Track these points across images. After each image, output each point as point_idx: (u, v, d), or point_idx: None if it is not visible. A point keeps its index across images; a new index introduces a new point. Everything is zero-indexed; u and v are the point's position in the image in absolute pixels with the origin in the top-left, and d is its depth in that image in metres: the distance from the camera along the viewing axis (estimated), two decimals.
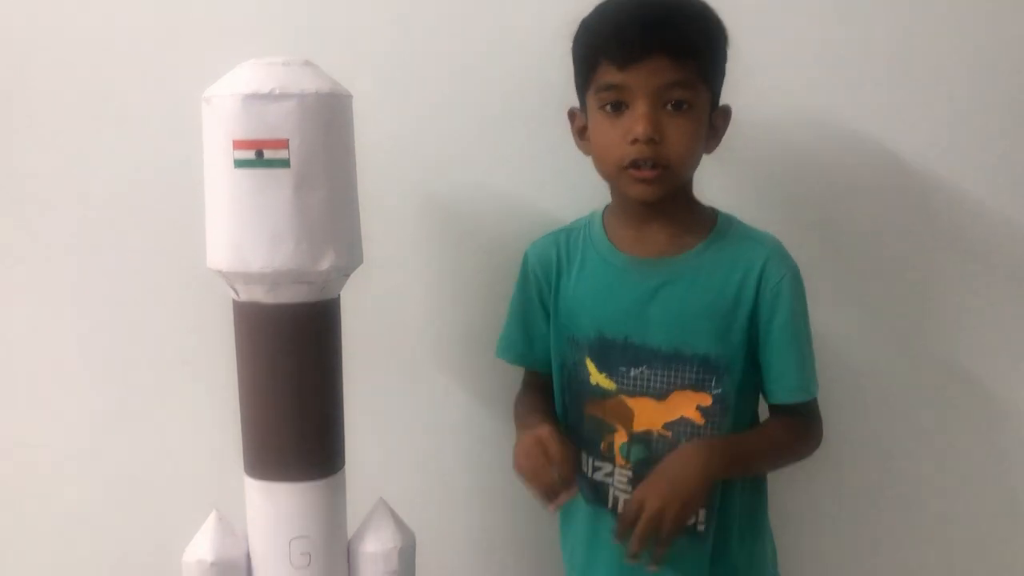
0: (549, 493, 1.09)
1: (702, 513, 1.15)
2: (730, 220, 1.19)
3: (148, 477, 1.43)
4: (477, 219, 1.38)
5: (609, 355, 1.16)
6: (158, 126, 1.34)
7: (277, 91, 0.99)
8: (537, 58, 1.32)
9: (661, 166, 1.09)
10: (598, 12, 1.13)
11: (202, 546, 1.10)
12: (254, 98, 0.99)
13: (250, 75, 1.00)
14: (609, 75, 1.09)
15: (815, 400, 1.19)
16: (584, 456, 1.20)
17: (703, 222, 1.18)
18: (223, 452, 1.19)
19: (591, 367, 1.18)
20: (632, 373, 1.15)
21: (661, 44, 1.06)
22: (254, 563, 1.11)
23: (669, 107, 1.08)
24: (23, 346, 1.42)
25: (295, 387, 1.07)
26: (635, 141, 1.08)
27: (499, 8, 1.34)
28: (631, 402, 1.15)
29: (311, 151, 1.00)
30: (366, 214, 1.11)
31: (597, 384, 1.17)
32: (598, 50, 1.10)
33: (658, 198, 1.12)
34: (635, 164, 1.10)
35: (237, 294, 1.06)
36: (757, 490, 1.22)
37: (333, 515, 1.11)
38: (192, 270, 1.16)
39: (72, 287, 1.40)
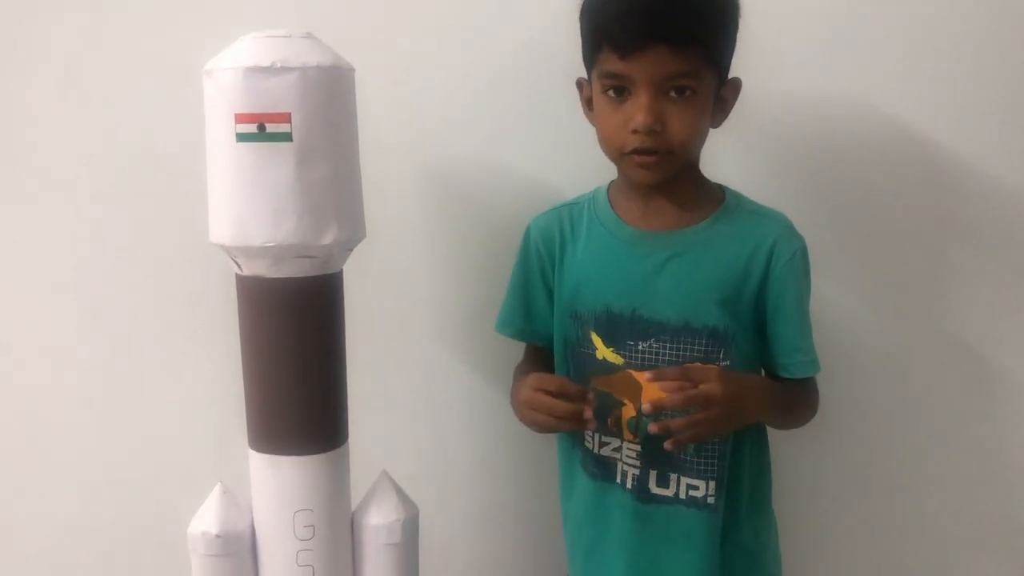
0: (574, 416, 1.10)
1: (712, 486, 1.16)
2: (738, 196, 1.19)
3: (153, 451, 1.44)
4: (480, 193, 1.37)
5: (616, 329, 1.16)
6: (160, 100, 1.34)
7: (279, 64, 0.98)
8: (541, 32, 1.31)
9: (663, 152, 1.09)
10: None
11: (207, 518, 1.11)
12: (256, 71, 0.98)
13: (252, 48, 1.00)
14: (611, 63, 1.08)
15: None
16: (590, 432, 1.19)
17: (710, 197, 1.18)
18: (227, 426, 1.20)
19: (597, 341, 1.18)
20: (640, 347, 1.15)
21: (663, 34, 1.04)
22: (258, 535, 1.12)
23: (672, 93, 1.08)
24: (27, 322, 1.43)
25: (298, 361, 1.07)
26: (636, 130, 1.08)
27: None
28: (638, 376, 1.15)
29: (313, 124, 1.00)
30: (369, 188, 1.11)
31: (603, 359, 1.17)
32: (600, 35, 1.09)
33: (661, 181, 1.13)
34: (636, 151, 1.09)
35: (240, 268, 1.06)
36: (762, 466, 1.23)
37: (337, 488, 1.12)
38: (195, 245, 1.16)
39: (74, 263, 1.40)
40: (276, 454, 1.09)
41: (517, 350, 1.31)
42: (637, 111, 1.07)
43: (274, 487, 1.10)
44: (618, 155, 1.12)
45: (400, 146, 1.34)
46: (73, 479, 1.46)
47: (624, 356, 1.16)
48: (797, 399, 1.20)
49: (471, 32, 1.33)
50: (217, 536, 1.10)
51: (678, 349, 1.14)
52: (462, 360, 1.42)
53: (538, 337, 1.26)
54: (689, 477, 1.16)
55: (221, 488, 1.13)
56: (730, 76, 1.14)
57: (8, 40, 1.36)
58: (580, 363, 1.20)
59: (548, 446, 1.30)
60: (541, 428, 1.15)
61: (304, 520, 1.10)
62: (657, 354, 1.15)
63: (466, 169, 1.37)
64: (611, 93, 1.10)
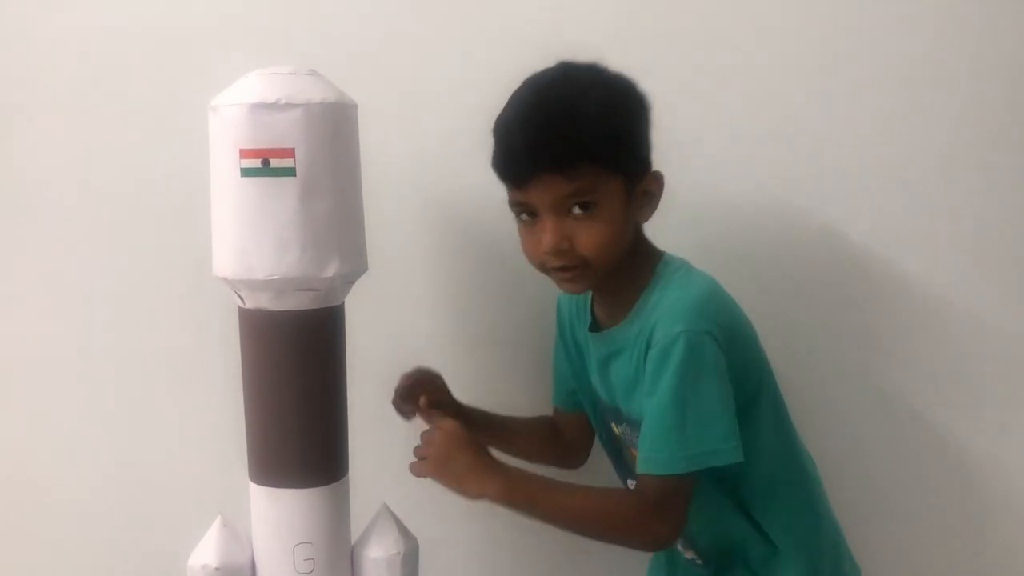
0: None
1: (691, 553, 1.21)
2: (658, 280, 1.14)
3: (154, 482, 1.44)
4: (481, 227, 1.38)
5: (606, 411, 1.23)
6: (165, 135, 1.36)
7: (283, 100, 1.00)
8: (541, 67, 1.33)
9: (579, 266, 1.10)
10: (498, 123, 1.13)
11: (207, 551, 1.11)
12: (260, 107, 0.99)
13: (257, 84, 1.01)
14: (513, 194, 1.12)
15: (672, 480, 1.06)
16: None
17: (641, 289, 1.14)
18: (228, 458, 1.20)
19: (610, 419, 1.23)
20: (620, 428, 1.20)
21: (548, 164, 1.06)
22: (258, 568, 1.12)
23: (576, 209, 1.08)
24: (31, 352, 1.43)
25: (300, 394, 1.07)
26: (546, 252, 1.09)
27: (503, 18, 1.35)
28: (633, 451, 1.15)
29: (317, 160, 1.01)
30: (371, 222, 1.12)
31: (613, 431, 1.23)
32: (497, 170, 1.12)
33: (588, 289, 1.16)
34: (553, 268, 1.11)
35: (243, 301, 1.07)
36: (756, 535, 1.18)
37: (337, 521, 1.12)
38: (198, 277, 1.17)
39: (79, 294, 1.41)
40: (277, 487, 1.09)
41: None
42: (543, 232, 1.09)
43: (274, 520, 1.10)
44: (542, 271, 1.14)
45: (402, 180, 1.36)
46: (73, 510, 1.45)
47: (620, 432, 1.21)
48: (608, 499, 1.13)
49: (472, 68, 1.35)
50: (217, 569, 1.09)
51: (635, 436, 1.12)
52: (463, 393, 1.42)
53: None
54: (684, 548, 1.23)
55: (221, 521, 1.13)
56: (653, 170, 1.14)
57: (16, 74, 1.38)
58: (601, 431, 1.28)
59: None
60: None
61: (304, 553, 1.09)
62: (632, 435, 1.15)
63: (467, 203, 1.38)
64: (523, 217, 1.12)
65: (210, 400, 1.38)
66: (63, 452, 1.44)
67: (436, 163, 1.37)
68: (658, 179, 1.15)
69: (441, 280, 1.41)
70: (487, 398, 1.35)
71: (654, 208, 1.15)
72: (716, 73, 1.35)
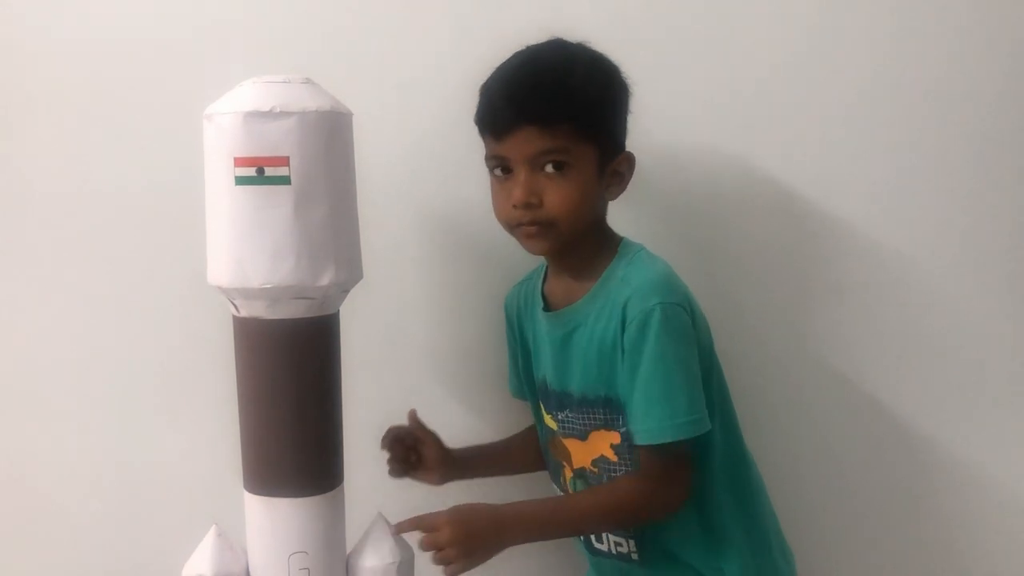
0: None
1: (632, 543, 1.20)
2: (621, 259, 1.18)
3: (148, 492, 1.43)
4: (476, 235, 1.39)
5: (548, 399, 1.24)
6: (160, 143, 1.35)
7: (278, 109, 0.99)
8: None
9: (544, 224, 1.13)
10: (487, 81, 1.18)
11: (201, 561, 1.10)
12: (255, 116, 0.99)
13: (251, 93, 1.01)
14: (490, 146, 1.17)
15: (673, 448, 1.10)
16: (555, 487, 1.30)
17: (602, 266, 1.18)
18: (222, 467, 1.20)
19: (541, 408, 1.26)
20: (560, 416, 1.22)
21: (528, 116, 1.11)
22: None
23: (549, 168, 1.12)
24: (24, 361, 1.43)
25: (294, 402, 1.07)
26: (515, 205, 1.13)
27: (499, 25, 1.35)
28: (566, 442, 1.23)
29: (312, 168, 1.01)
30: (366, 230, 1.12)
31: (547, 424, 1.25)
32: (479, 121, 1.17)
33: (550, 251, 1.18)
34: (520, 224, 1.15)
35: (237, 310, 1.07)
36: (706, 523, 1.19)
37: (332, 530, 1.12)
38: (192, 286, 1.17)
39: (73, 302, 1.41)
40: (271, 496, 1.08)
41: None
42: (514, 187, 1.13)
43: (269, 529, 1.09)
44: (508, 229, 1.18)
45: (397, 189, 1.36)
46: (67, 518, 1.45)
47: (557, 423, 1.23)
48: (611, 493, 1.15)
49: (466, 76, 1.35)
50: None
51: (583, 417, 1.19)
52: (458, 401, 1.42)
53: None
54: (613, 535, 1.21)
55: (216, 530, 1.13)
56: (626, 150, 1.19)
57: (11, 82, 1.37)
58: (540, 425, 1.28)
59: (545, 489, 1.30)
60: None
61: (299, 563, 1.09)
62: (573, 423, 1.20)
63: (462, 212, 1.39)
64: (497, 172, 1.17)
65: (205, 408, 1.38)
66: (57, 460, 1.44)
67: (431, 171, 1.38)
68: (630, 160, 1.19)
69: (436, 288, 1.41)
70: (481, 407, 1.35)
71: (622, 189, 1.20)
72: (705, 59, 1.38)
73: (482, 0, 1.37)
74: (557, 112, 1.11)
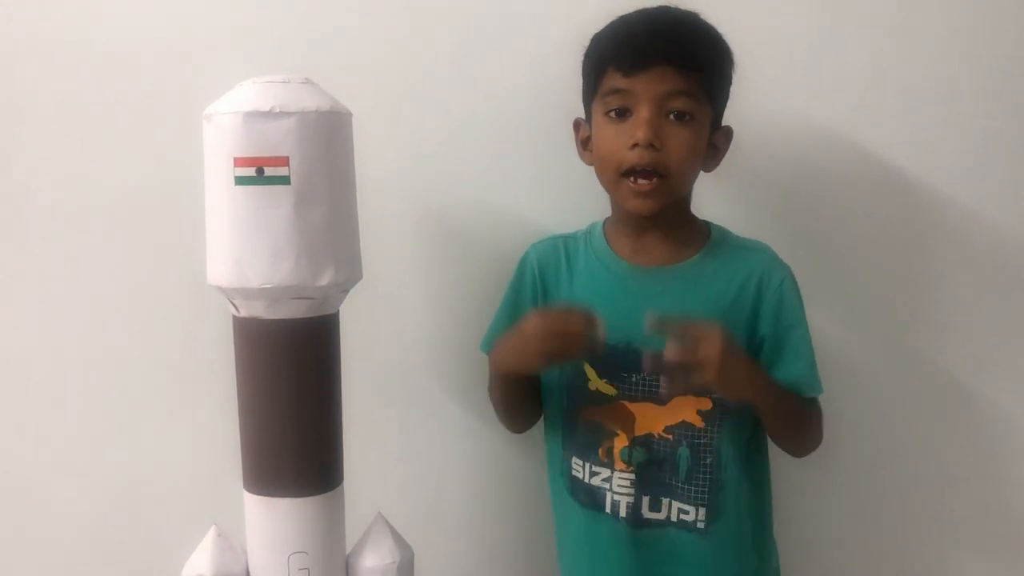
0: (588, 328, 1.09)
1: (702, 512, 1.17)
2: (724, 232, 1.22)
3: (148, 492, 1.43)
4: (476, 235, 1.38)
5: (610, 360, 1.17)
6: (159, 143, 1.35)
7: (277, 109, 0.99)
8: (535, 74, 1.33)
9: (659, 175, 1.11)
10: (610, 26, 1.16)
11: (201, 561, 1.10)
12: (255, 116, 0.99)
13: (251, 93, 1.01)
14: (615, 80, 1.12)
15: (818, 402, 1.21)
16: (580, 462, 1.21)
17: (698, 234, 1.21)
18: (222, 467, 1.20)
19: (590, 372, 1.19)
20: (634, 378, 1.17)
21: (667, 53, 1.10)
22: None
23: (672, 116, 1.11)
24: (24, 361, 1.43)
25: (294, 402, 1.07)
26: (635, 146, 1.10)
27: (499, 25, 1.35)
28: (632, 407, 1.17)
29: (311, 168, 1.01)
30: (365, 230, 1.12)
31: (596, 389, 1.19)
32: (607, 57, 1.14)
33: (655, 211, 1.14)
34: (633, 171, 1.11)
35: (237, 310, 1.07)
36: (761, 500, 1.23)
37: (331, 530, 1.12)
38: (192, 286, 1.17)
39: (72, 302, 1.41)
40: (271, 496, 1.08)
41: None
42: (637, 127, 1.10)
43: (269, 529, 1.09)
44: (615, 177, 1.14)
45: (396, 189, 1.36)
46: (67, 520, 1.45)
47: (618, 387, 1.17)
48: (799, 408, 1.19)
49: (466, 76, 1.36)
50: None
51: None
52: (458, 401, 1.42)
53: None
54: (680, 502, 1.18)
55: (216, 531, 1.13)
56: (723, 125, 1.18)
57: (11, 83, 1.38)
58: (572, 394, 1.21)
59: (544, 487, 1.30)
60: (543, 355, 1.11)
61: (299, 563, 1.09)
62: (649, 386, 1.16)
63: (462, 211, 1.38)
64: (613, 114, 1.13)
65: (204, 409, 1.38)
66: (56, 461, 1.44)
67: (431, 171, 1.38)
68: (727, 135, 1.19)
69: (436, 288, 1.41)
70: (482, 405, 1.35)
71: (717, 163, 1.20)
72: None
73: (482, 0, 1.36)
74: (697, 57, 1.11)
